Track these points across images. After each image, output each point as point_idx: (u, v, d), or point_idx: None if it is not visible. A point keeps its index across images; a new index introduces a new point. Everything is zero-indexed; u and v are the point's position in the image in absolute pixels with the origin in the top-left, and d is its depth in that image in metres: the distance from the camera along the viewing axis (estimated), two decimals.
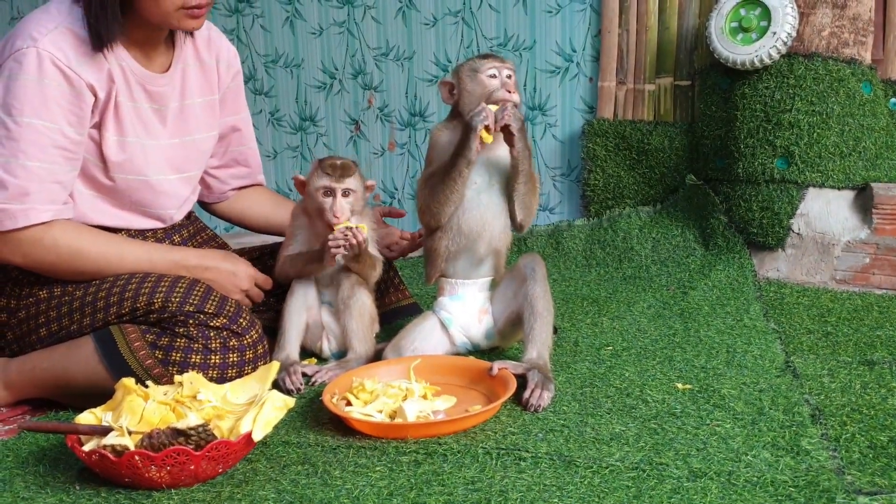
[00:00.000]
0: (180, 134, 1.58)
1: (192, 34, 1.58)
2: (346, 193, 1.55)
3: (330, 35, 3.04)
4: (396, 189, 3.06)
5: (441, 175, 1.53)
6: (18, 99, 1.35)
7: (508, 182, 1.57)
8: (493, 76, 1.55)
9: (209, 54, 1.63)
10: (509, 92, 1.53)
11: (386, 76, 2.99)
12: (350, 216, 1.56)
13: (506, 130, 1.49)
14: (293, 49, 3.11)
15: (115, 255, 1.46)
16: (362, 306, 1.61)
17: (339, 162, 1.58)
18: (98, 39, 1.39)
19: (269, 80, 3.16)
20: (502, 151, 1.55)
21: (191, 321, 1.39)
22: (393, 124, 3.03)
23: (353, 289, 1.61)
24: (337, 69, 3.06)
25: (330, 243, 1.51)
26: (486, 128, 1.48)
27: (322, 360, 1.67)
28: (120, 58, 1.44)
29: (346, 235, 1.51)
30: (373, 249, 1.63)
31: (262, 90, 3.17)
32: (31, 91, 1.35)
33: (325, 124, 3.12)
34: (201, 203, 1.82)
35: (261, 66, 3.15)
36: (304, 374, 1.57)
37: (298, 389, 1.51)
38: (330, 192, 1.54)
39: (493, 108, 1.50)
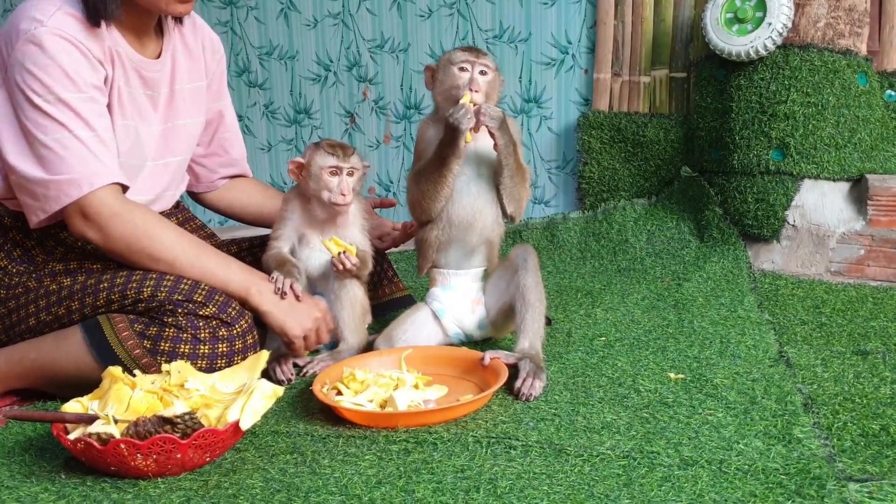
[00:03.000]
0: (170, 119, 1.58)
1: (180, 21, 1.57)
2: (351, 172, 1.56)
3: (325, 27, 3.03)
4: (392, 182, 3.05)
5: (430, 171, 1.52)
6: (45, 78, 1.35)
7: (495, 175, 1.57)
8: (464, 69, 1.54)
9: (195, 41, 1.63)
10: (474, 91, 1.50)
11: (381, 68, 2.98)
12: (353, 197, 1.57)
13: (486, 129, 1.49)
14: (287, 41, 3.09)
15: (192, 251, 1.43)
16: (353, 297, 1.60)
17: (338, 142, 1.59)
18: (95, 16, 1.39)
19: (264, 72, 3.14)
20: (491, 141, 1.54)
21: (179, 310, 1.38)
22: (388, 117, 3.02)
23: (344, 280, 1.60)
24: (332, 61, 3.05)
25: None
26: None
27: (313, 351, 1.65)
28: (116, 42, 1.44)
29: (339, 261, 1.53)
30: (364, 244, 1.62)
31: (256, 83, 3.16)
32: (54, 68, 1.35)
33: (319, 117, 3.11)
34: (191, 194, 1.82)
35: (255, 59, 3.14)
36: (295, 365, 1.56)
37: (289, 380, 1.50)
38: (337, 170, 1.55)
39: (474, 100, 1.48)
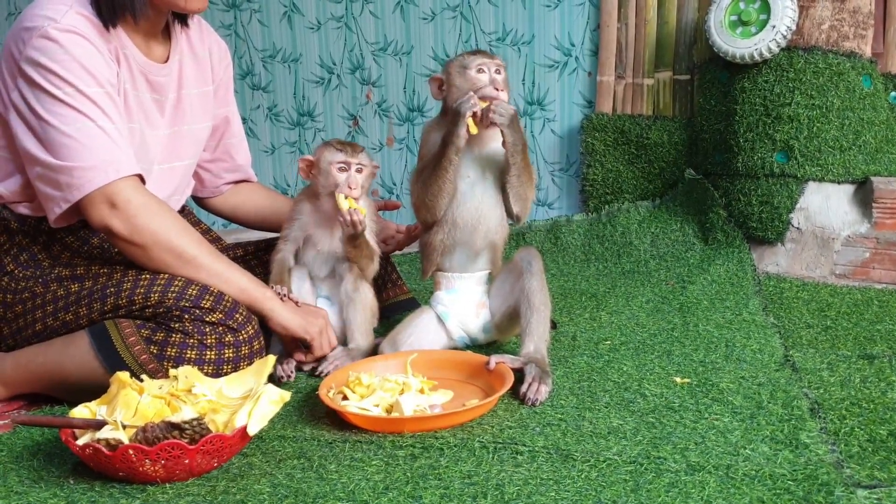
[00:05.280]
0: (177, 123, 1.59)
1: (186, 24, 1.58)
2: (359, 169, 1.58)
3: (328, 30, 3.03)
4: (395, 184, 3.05)
5: (431, 166, 1.52)
6: (64, 73, 1.35)
7: (502, 174, 1.57)
8: (482, 71, 1.54)
9: (202, 47, 1.64)
10: (497, 89, 1.51)
11: (384, 71, 2.98)
12: (360, 194, 1.58)
13: (495, 126, 1.49)
14: (291, 44, 3.09)
15: (212, 254, 1.44)
16: (366, 300, 1.62)
17: (347, 141, 1.63)
18: (122, 12, 1.41)
19: (267, 75, 3.15)
20: (495, 144, 1.54)
21: (186, 316, 1.38)
22: (391, 119, 3.02)
23: (357, 283, 1.61)
24: (335, 64, 3.05)
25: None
26: (474, 115, 1.47)
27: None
28: (123, 45, 1.45)
29: (348, 214, 1.53)
30: (371, 241, 1.63)
31: (259, 85, 3.16)
32: (72, 63, 1.36)
33: (323, 119, 3.11)
34: (195, 198, 1.83)
35: (258, 62, 3.14)
36: (297, 368, 1.57)
37: (289, 376, 1.52)
38: (346, 166, 1.57)
39: (482, 104, 1.49)
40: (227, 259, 1.47)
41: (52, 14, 1.37)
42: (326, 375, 1.50)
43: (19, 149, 1.40)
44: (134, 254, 1.42)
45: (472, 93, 1.48)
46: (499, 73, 1.55)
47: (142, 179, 1.42)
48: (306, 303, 1.59)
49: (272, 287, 1.52)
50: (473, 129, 1.48)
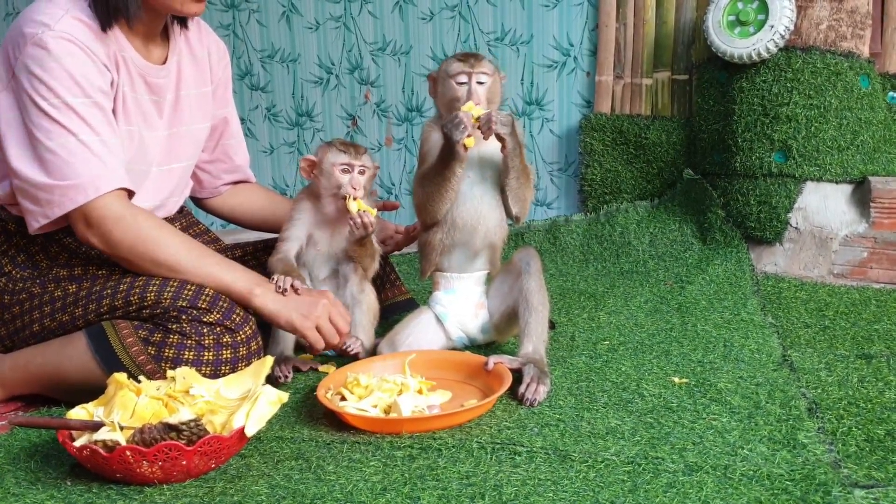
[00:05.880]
0: (176, 125, 1.59)
1: (185, 26, 1.58)
2: (362, 171, 1.59)
3: (326, 30, 3.03)
4: (393, 184, 3.05)
5: (434, 174, 1.52)
6: (52, 82, 1.35)
7: (501, 175, 1.57)
8: (462, 83, 1.54)
9: (201, 47, 1.64)
10: (475, 104, 1.50)
11: (383, 71, 2.98)
12: (363, 195, 1.58)
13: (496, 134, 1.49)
14: (289, 44, 3.09)
15: (194, 256, 1.42)
16: (370, 301, 1.63)
17: (350, 142, 1.63)
18: (116, 16, 1.40)
19: (266, 75, 3.14)
20: (494, 144, 1.54)
21: (184, 317, 1.38)
22: (390, 119, 3.02)
23: (363, 284, 1.62)
24: (333, 64, 3.05)
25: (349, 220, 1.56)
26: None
27: (317, 355, 1.66)
28: (122, 48, 1.45)
29: (359, 216, 1.54)
30: (374, 240, 1.64)
31: (258, 85, 3.16)
32: (61, 72, 1.35)
33: (321, 119, 3.11)
34: (194, 199, 1.82)
35: (257, 62, 3.14)
36: (296, 370, 1.57)
37: (286, 377, 1.52)
38: (348, 168, 1.57)
39: (480, 111, 1.48)
40: (215, 257, 1.45)
41: (47, 20, 1.36)
42: (353, 352, 1.55)
43: (4, 156, 1.40)
44: (121, 264, 1.44)
45: (459, 115, 1.46)
46: (482, 82, 1.54)
47: (129, 192, 1.42)
48: (308, 289, 1.52)
49: (273, 279, 1.47)
50: (470, 144, 1.48)
